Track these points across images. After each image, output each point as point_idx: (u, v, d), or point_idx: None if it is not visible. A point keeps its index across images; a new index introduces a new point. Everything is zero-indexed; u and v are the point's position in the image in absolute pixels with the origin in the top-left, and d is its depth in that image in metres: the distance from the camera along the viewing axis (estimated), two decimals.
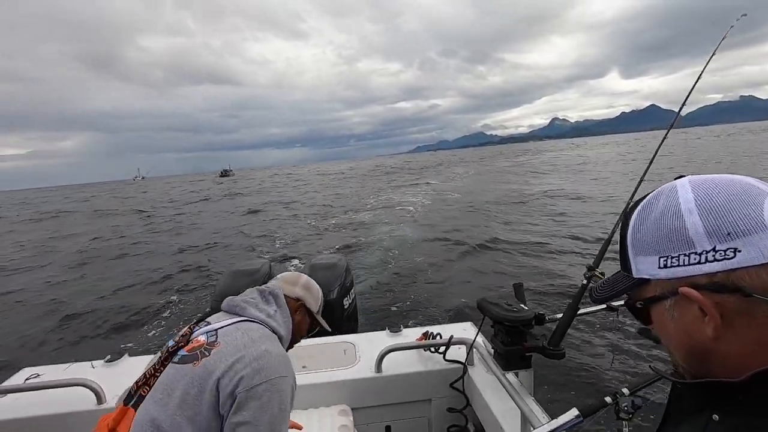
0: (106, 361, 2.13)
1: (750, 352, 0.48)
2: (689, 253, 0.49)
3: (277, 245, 9.30)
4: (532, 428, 1.34)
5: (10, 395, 1.83)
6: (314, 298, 1.41)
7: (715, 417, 0.51)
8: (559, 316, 1.65)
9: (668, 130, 1.71)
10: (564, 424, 1.24)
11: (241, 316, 1.19)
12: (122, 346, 5.03)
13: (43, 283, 7.79)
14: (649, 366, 0.65)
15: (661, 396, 1.39)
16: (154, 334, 5.39)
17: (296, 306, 1.35)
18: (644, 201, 0.58)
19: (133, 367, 2.08)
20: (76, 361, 2.18)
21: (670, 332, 0.56)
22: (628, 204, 1.58)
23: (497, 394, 1.79)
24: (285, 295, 1.32)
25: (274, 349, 1.11)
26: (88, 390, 1.76)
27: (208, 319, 1.21)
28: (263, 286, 1.33)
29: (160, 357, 1.11)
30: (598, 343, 4.33)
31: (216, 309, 3.33)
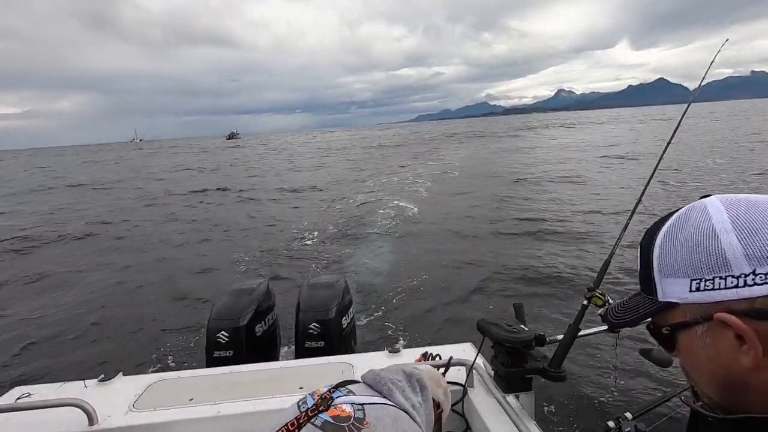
0: (100, 380, 2.10)
1: None
2: (725, 276, 0.47)
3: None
4: None
5: (0, 415, 1.80)
6: (448, 408, 1.34)
7: None
8: (560, 337, 1.64)
9: (681, 118, 1.63)
10: None
11: (385, 397, 1.06)
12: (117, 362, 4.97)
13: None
14: (681, 398, 0.60)
15: (665, 421, 1.37)
16: (149, 352, 5.31)
17: (436, 413, 1.24)
18: (671, 220, 0.55)
19: (127, 386, 2.05)
20: (69, 379, 2.14)
21: (700, 361, 0.52)
22: (630, 218, 1.57)
23: (497, 417, 1.75)
24: None
25: None
26: (80, 410, 1.73)
27: (350, 387, 1.07)
28: (410, 370, 1.19)
29: (296, 417, 0.95)
30: (601, 365, 4.27)
31: (213, 329, 3.27)
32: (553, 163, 20.36)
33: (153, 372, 2.22)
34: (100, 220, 14.08)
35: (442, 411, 1.30)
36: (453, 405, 1.84)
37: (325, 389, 1.03)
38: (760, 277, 0.44)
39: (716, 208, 0.50)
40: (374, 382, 1.09)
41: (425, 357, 2.11)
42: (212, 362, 2.74)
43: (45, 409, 1.70)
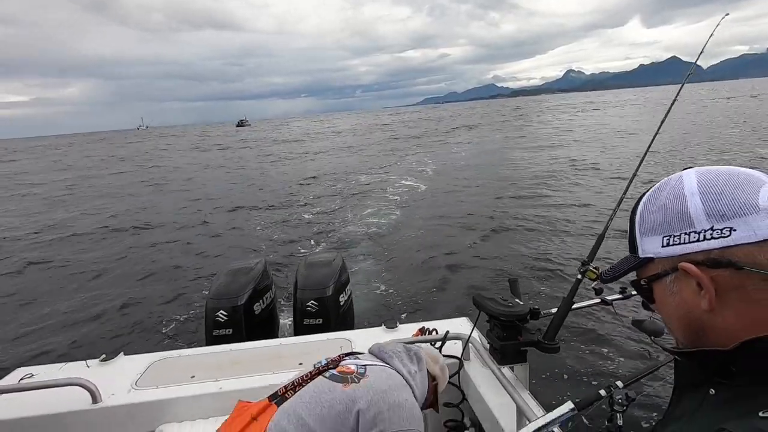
0: (101, 360, 2.12)
1: (742, 325, 0.52)
2: (689, 232, 0.54)
3: None
4: (527, 422, 1.36)
5: (4, 396, 1.82)
6: (445, 381, 1.53)
7: (712, 391, 0.54)
8: (554, 310, 1.67)
9: (674, 100, 1.68)
10: (559, 417, 1.25)
11: (386, 363, 1.30)
12: (118, 344, 5.02)
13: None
14: (651, 338, 0.68)
15: (655, 388, 1.41)
16: (150, 332, 5.36)
17: (431, 384, 1.45)
18: (653, 188, 0.63)
19: (129, 365, 2.07)
20: (71, 360, 2.17)
21: (670, 307, 0.60)
22: (624, 193, 1.59)
23: (493, 388, 1.80)
24: None
25: (412, 402, 1.21)
26: (83, 389, 1.75)
27: (357, 355, 1.36)
28: (410, 346, 1.44)
29: (309, 372, 1.26)
30: (593, 337, 4.37)
31: (212, 308, 3.29)
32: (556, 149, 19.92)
33: (153, 352, 2.25)
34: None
35: (437, 383, 1.46)
36: (449, 378, 1.89)
37: (336, 355, 1.30)
38: (717, 232, 0.52)
39: (689, 176, 0.57)
40: (378, 352, 1.35)
41: (422, 332, 2.15)
42: (212, 341, 2.78)
43: (49, 389, 1.72)
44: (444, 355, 1.97)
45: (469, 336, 1.92)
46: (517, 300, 1.71)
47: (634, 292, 1.70)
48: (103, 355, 2.15)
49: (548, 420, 1.25)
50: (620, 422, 1.24)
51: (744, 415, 0.47)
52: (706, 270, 0.52)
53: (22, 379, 1.97)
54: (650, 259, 0.60)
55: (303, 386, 1.21)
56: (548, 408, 1.36)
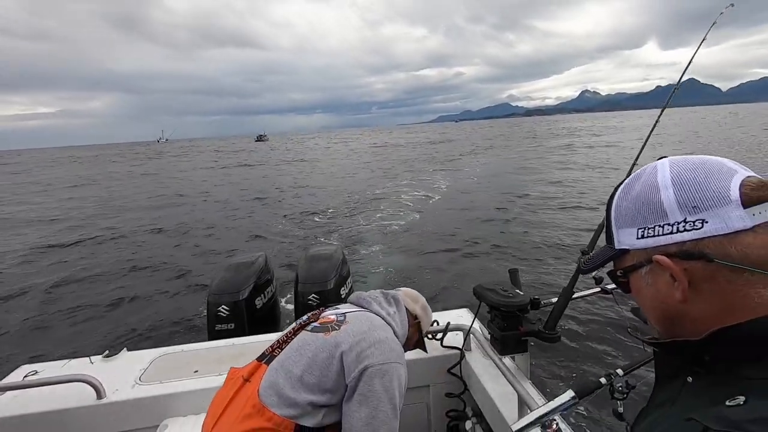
0: (105, 356, 2.13)
1: (714, 315, 0.53)
2: (663, 224, 0.54)
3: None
4: (528, 410, 1.37)
5: (8, 393, 1.83)
6: (428, 321, 1.58)
7: (689, 379, 0.55)
8: (555, 300, 1.67)
9: (661, 111, 1.72)
10: (560, 405, 1.26)
11: (365, 308, 1.36)
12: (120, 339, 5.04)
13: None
14: (627, 329, 0.69)
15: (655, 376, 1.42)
16: (152, 327, 5.39)
17: (413, 322, 1.50)
18: (628, 179, 0.63)
19: (132, 361, 2.08)
20: (74, 356, 2.17)
21: (645, 298, 0.61)
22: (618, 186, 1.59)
23: (494, 378, 1.81)
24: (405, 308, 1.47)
25: (393, 339, 1.27)
26: (87, 385, 1.76)
27: (337, 306, 1.40)
28: (388, 290, 1.49)
29: (293, 328, 1.31)
30: (593, 325, 4.39)
31: (214, 303, 3.30)
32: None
33: (156, 347, 2.25)
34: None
35: (419, 322, 1.51)
36: (451, 368, 1.90)
37: (317, 309, 1.35)
38: (690, 224, 0.52)
39: (663, 167, 0.57)
40: (356, 300, 1.42)
41: None
42: (214, 336, 2.79)
43: (53, 386, 1.73)
44: (445, 347, 1.99)
45: (470, 327, 1.93)
46: (518, 290, 1.71)
47: None
48: (107, 351, 2.16)
49: (549, 408, 1.26)
50: (621, 409, 1.24)
51: (713, 404, 0.47)
52: (679, 262, 0.53)
53: (26, 376, 1.98)
54: (626, 251, 0.61)
55: (288, 343, 1.27)
56: (549, 397, 1.37)
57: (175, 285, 6.84)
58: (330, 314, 1.31)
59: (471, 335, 1.96)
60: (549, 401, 1.30)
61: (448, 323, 1.99)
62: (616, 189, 0.65)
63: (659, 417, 0.57)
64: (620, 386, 1.24)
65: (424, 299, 1.59)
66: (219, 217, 11.90)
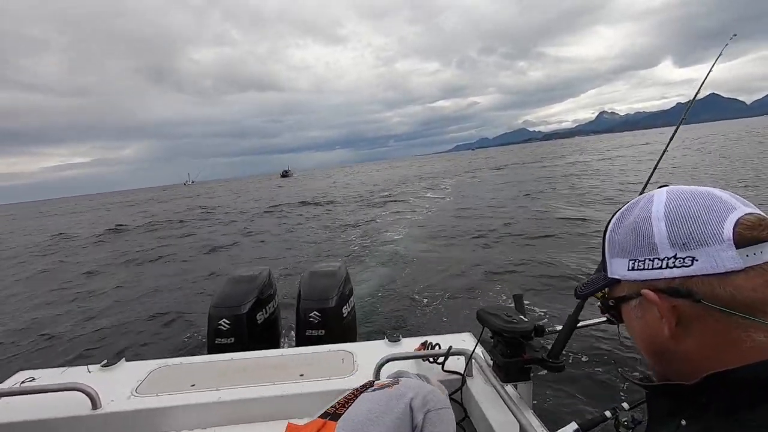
0: (103, 366, 2.12)
1: (705, 356, 0.51)
2: (653, 258, 0.53)
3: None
4: None
5: (4, 399, 1.82)
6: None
7: (683, 422, 0.54)
8: (559, 328, 1.64)
9: (677, 126, 1.71)
10: None
11: (407, 377, 1.49)
12: (119, 349, 5.01)
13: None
14: (618, 369, 0.68)
15: None
16: (151, 338, 5.36)
17: None
18: (624, 207, 0.62)
19: (130, 372, 2.07)
20: (72, 365, 2.16)
21: (635, 330, 0.60)
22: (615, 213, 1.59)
23: (496, 406, 1.77)
24: None
25: (440, 391, 1.42)
26: (83, 395, 1.74)
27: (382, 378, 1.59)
28: (421, 374, 1.61)
29: (351, 393, 1.39)
30: (599, 356, 4.29)
31: (215, 316, 3.29)
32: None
33: (155, 358, 2.24)
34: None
35: None
36: (452, 393, 1.86)
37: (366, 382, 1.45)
38: (679, 261, 0.51)
39: (659, 198, 0.56)
40: (396, 375, 1.55)
41: (425, 346, 2.12)
42: (214, 349, 2.76)
43: (49, 393, 1.72)
44: (446, 371, 1.95)
45: (473, 352, 1.90)
46: (522, 316, 1.69)
47: None
48: (105, 361, 2.15)
49: None
50: None
51: None
52: (667, 298, 0.52)
53: (23, 382, 1.97)
54: (617, 281, 0.60)
55: (351, 402, 1.32)
56: (552, 428, 1.34)
57: (178, 296, 6.83)
58: (382, 381, 1.44)
59: (473, 360, 1.93)
60: None
61: (450, 347, 1.96)
62: (613, 215, 0.64)
63: None
64: (626, 421, 1.21)
65: (447, 395, 1.69)
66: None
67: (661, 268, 0.52)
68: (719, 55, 1.70)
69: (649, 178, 1.59)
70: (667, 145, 1.67)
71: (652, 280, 0.54)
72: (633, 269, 0.56)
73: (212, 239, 12.02)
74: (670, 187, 0.58)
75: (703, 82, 1.69)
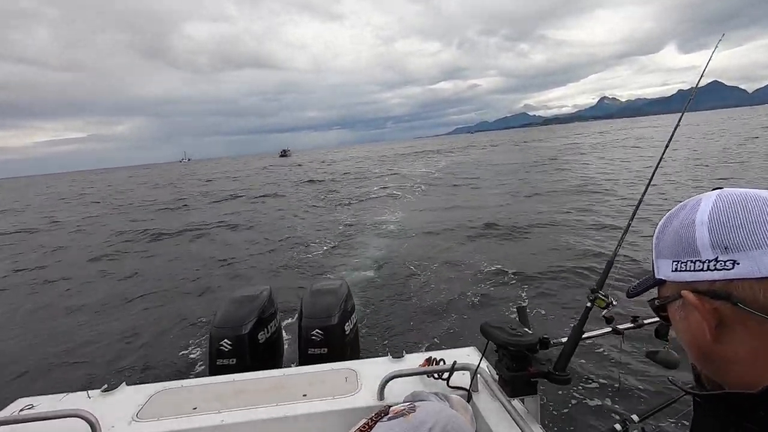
0: (103, 390, 2.09)
1: (752, 361, 0.50)
2: (695, 260, 0.54)
3: None
4: None
5: (3, 427, 1.79)
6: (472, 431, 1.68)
7: None
8: (564, 339, 1.63)
9: (681, 116, 1.69)
10: None
11: (423, 399, 1.43)
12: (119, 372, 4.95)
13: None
14: (668, 378, 0.67)
15: (672, 422, 1.35)
16: (154, 360, 5.30)
17: None
18: (673, 209, 0.63)
19: (130, 396, 2.04)
20: (73, 390, 2.14)
21: (680, 332, 0.61)
22: (631, 219, 1.58)
23: (503, 421, 1.74)
24: None
25: (461, 416, 1.34)
26: (83, 421, 1.72)
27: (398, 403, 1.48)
28: (437, 392, 1.58)
29: (365, 423, 1.37)
30: (606, 367, 4.24)
31: (216, 337, 3.27)
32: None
33: (156, 382, 2.21)
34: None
35: None
36: None
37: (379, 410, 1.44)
38: (720, 264, 0.51)
39: (708, 201, 0.56)
40: (413, 397, 1.50)
41: (429, 362, 2.10)
42: (215, 371, 2.73)
43: (48, 421, 1.69)
44: (451, 387, 1.93)
45: (477, 366, 1.87)
46: (526, 329, 1.67)
47: (646, 321, 1.67)
48: (105, 386, 2.12)
49: None
50: None
51: None
52: (707, 300, 0.52)
53: (22, 410, 1.94)
54: (663, 281, 0.61)
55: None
56: None
57: (179, 317, 6.78)
58: (397, 407, 1.38)
59: (478, 375, 1.91)
60: None
61: (455, 362, 1.94)
62: (662, 217, 0.65)
63: None
64: None
65: (472, 411, 1.65)
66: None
67: (702, 270, 0.53)
68: (714, 49, 1.71)
69: (660, 160, 1.57)
70: (673, 132, 1.58)
71: (694, 281, 0.54)
72: (677, 270, 0.57)
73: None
74: (723, 190, 0.58)
75: (700, 79, 1.68)
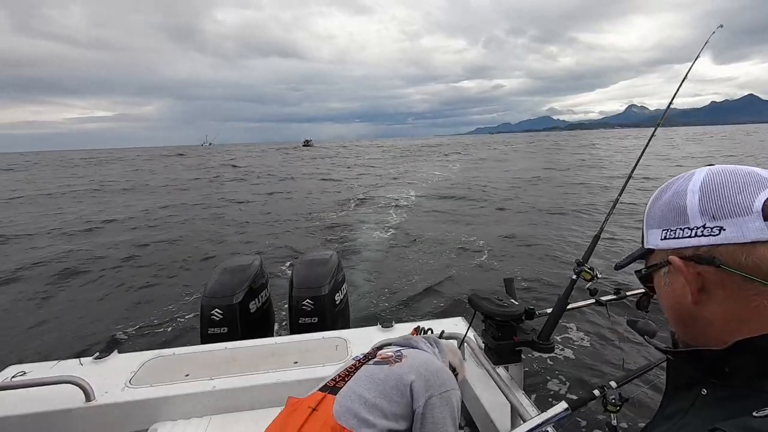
0: (95, 358, 2.11)
1: (730, 322, 0.53)
2: (684, 228, 0.56)
3: None
4: (521, 421, 1.36)
5: None
6: (462, 373, 1.62)
7: (704, 391, 0.55)
8: (549, 310, 1.67)
9: (655, 129, 1.73)
10: (553, 416, 1.26)
11: (413, 347, 1.43)
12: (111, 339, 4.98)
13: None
14: (645, 338, 0.70)
15: (648, 388, 1.42)
16: (144, 330, 5.34)
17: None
18: (664, 184, 0.65)
19: (123, 363, 2.06)
20: (64, 358, 2.15)
21: (663, 298, 0.63)
22: (619, 195, 1.60)
23: (488, 388, 1.80)
24: None
25: (447, 369, 1.36)
26: (76, 387, 1.74)
27: (387, 345, 1.49)
28: (428, 336, 1.57)
29: (352, 364, 1.36)
30: (588, 337, 4.39)
31: (207, 306, 3.27)
32: None
33: (148, 350, 2.23)
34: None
35: (457, 374, 1.52)
36: None
37: (369, 350, 1.46)
38: (707, 230, 0.53)
39: (700, 174, 0.58)
40: (404, 341, 1.48)
41: (417, 331, 2.14)
42: (207, 339, 2.77)
43: (41, 387, 1.70)
44: None
45: (465, 336, 1.92)
46: (512, 300, 1.71)
47: (628, 294, 1.71)
48: (97, 353, 2.14)
49: (542, 420, 1.25)
50: (614, 422, 1.24)
51: (737, 415, 0.47)
52: (693, 265, 0.54)
53: (14, 376, 1.95)
54: (651, 251, 0.63)
55: (351, 375, 1.30)
56: (542, 408, 1.37)
57: (170, 286, 6.79)
58: (386, 352, 1.40)
59: (465, 344, 1.96)
60: (542, 412, 1.30)
61: (443, 332, 1.98)
62: (655, 191, 0.67)
63: (671, 429, 0.57)
64: (613, 398, 1.24)
65: (461, 354, 1.67)
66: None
67: (690, 236, 0.55)
68: (705, 44, 1.69)
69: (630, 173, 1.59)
70: (645, 147, 1.60)
71: (681, 248, 0.56)
72: (665, 238, 0.59)
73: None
74: (717, 165, 0.60)
75: (682, 82, 1.69)
